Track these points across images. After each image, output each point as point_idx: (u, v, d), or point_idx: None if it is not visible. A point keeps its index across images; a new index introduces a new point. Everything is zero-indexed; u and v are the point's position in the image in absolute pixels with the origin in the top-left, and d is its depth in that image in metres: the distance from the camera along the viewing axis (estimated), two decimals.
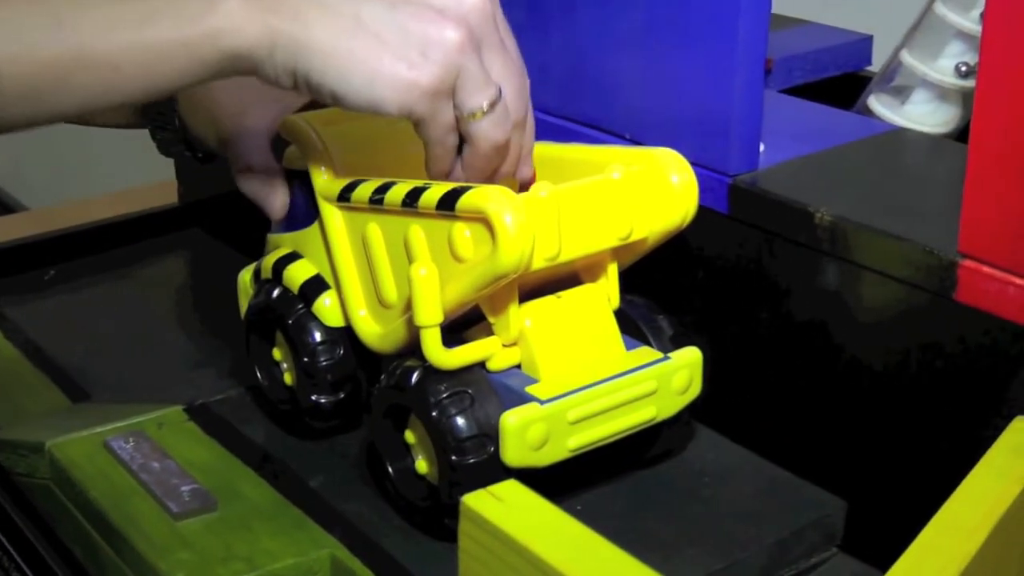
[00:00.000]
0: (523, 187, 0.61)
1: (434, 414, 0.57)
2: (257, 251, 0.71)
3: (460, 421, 0.56)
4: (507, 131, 0.58)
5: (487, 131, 0.57)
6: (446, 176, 0.59)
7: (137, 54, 0.54)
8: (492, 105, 0.56)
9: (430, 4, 0.55)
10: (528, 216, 0.54)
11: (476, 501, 0.47)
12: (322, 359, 0.65)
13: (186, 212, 1.03)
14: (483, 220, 0.54)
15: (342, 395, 0.66)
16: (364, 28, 0.54)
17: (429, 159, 0.59)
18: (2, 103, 0.53)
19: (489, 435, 0.57)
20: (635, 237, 0.60)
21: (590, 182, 0.58)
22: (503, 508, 0.47)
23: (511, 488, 0.48)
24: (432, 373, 0.58)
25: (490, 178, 0.59)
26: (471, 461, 0.56)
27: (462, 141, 0.58)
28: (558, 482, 0.58)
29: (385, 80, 0.54)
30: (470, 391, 0.57)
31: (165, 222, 1.01)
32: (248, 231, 0.75)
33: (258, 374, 0.70)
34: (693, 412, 0.63)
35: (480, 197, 0.54)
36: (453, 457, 0.57)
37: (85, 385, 0.78)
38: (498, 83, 0.57)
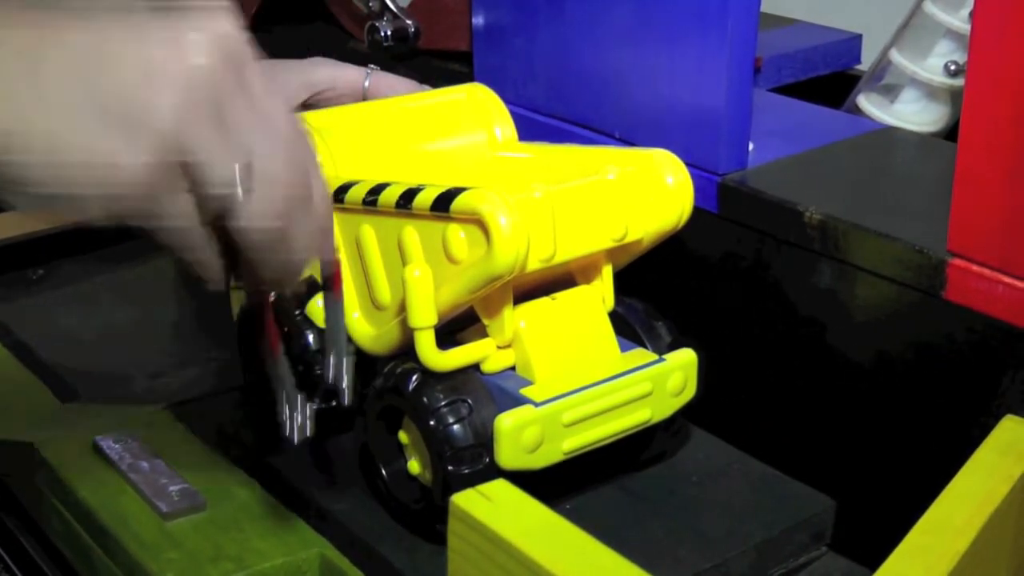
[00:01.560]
0: (327, 276, 0.53)
1: (431, 423, 0.57)
2: None
3: (457, 429, 0.56)
4: (277, 212, 0.44)
5: (249, 219, 0.43)
6: (219, 281, 0.47)
7: None
8: (246, 178, 0.43)
9: (138, 67, 0.41)
10: (523, 217, 0.54)
11: (465, 501, 0.48)
12: (317, 367, 0.64)
13: None
14: (478, 221, 0.54)
15: (335, 402, 0.66)
16: (46, 106, 0.40)
17: (187, 265, 0.46)
18: None
19: (486, 445, 0.56)
20: (630, 238, 0.60)
21: (585, 183, 0.58)
22: (492, 508, 0.47)
23: (500, 488, 0.49)
24: (430, 378, 0.58)
25: (279, 272, 0.47)
26: (467, 471, 0.56)
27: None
28: (551, 484, 0.58)
29: (79, 176, 0.41)
30: (468, 400, 0.57)
31: None
32: None
33: (249, 375, 0.70)
34: (685, 413, 0.63)
35: (474, 198, 0.54)
36: (449, 467, 0.56)
37: (74, 384, 0.78)
38: (250, 154, 0.43)
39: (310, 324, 0.65)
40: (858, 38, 0.88)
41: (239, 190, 0.43)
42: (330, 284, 0.54)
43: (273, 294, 0.61)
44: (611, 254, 0.61)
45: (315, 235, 0.47)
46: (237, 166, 0.42)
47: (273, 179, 0.44)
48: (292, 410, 0.55)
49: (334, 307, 0.55)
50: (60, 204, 0.41)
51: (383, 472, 0.61)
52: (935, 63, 0.74)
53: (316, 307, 0.64)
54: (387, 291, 0.61)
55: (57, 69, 0.40)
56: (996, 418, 0.54)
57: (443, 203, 0.56)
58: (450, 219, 0.56)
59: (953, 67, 0.73)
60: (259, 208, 0.44)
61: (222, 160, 0.42)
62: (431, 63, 0.82)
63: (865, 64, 0.86)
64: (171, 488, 0.65)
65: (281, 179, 0.44)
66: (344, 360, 0.55)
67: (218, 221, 0.44)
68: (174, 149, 0.41)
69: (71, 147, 0.40)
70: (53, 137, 0.40)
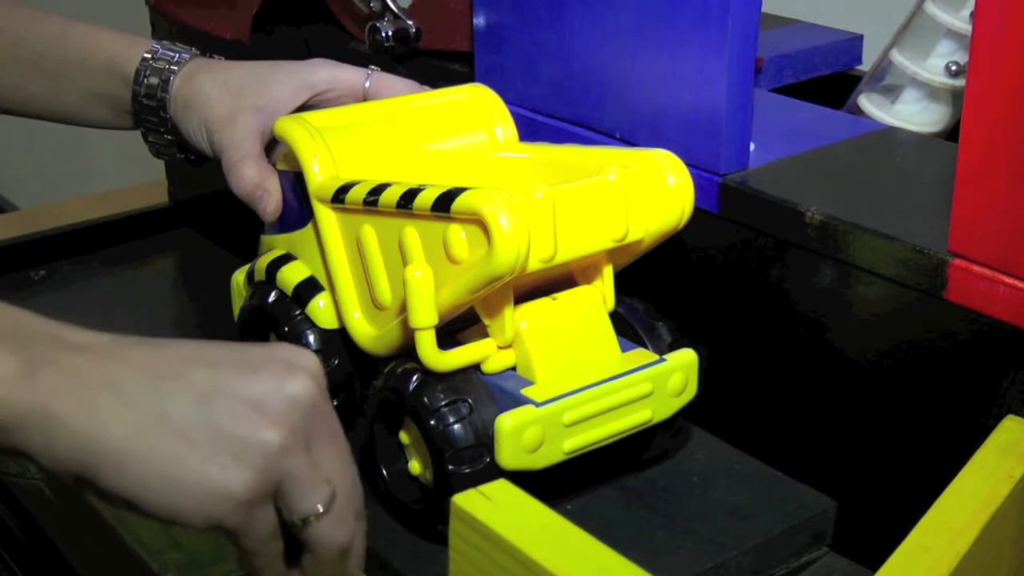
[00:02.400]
0: None
1: (432, 423, 0.57)
2: (247, 250, 0.71)
3: (458, 429, 0.57)
4: (349, 530, 0.50)
5: (327, 535, 0.49)
6: None
7: None
8: (328, 504, 0.48)
9: (247, 398, 0.47)
10: (523, 217, 0.54)
11: (466, 501, 0.48)
12: None
13: (176, 212, 1.03)
14: (478, 222, 0.54)
15: (336, 402, 0.66)
16: (167, 425, 0.46)
17: (255, 568, 0.50)
18: None
19: (486, 445, 0.57)
20: (631, 238, 0.60)
21: (586, 183, 0.59)
22: (493, 507, 0.47)
23: (501, 488, 0.49)
24: (430, 378, 0.58)
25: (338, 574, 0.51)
26: (467, 471, 0.57)
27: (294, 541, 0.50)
28: (552, 484, 0.58)
29: (189, 488, 0.45)
30: (469, 400, 0.57)
31: (155, 222, 1.02)
32: (238, 230, 0.75)
33: None
34: (685, 413, 0.63)
35: (476, 198, 0.54)
36: (450, 467, 0.57)
37: None
38: (331, 478, 0.49)
39: (310, 324, 0.65)
40: (859, 38, 0.88)
41: (321, 510, 0.48)
42: None
43: (273, 295, 0.62)
44: (612, 254, 0.62)
45: (364, 540, 0.52)
46: (320, 504, 0.48)
47: (348, 499, 0.50)
48: None
49: None
50: (162, 513, 0.46)
51: (384, 472, 0.62)
52: (936, 63, 0.74)
53: (317, 307, 0.65)
54: (388, 291, 0.61)
55: (177, 400, 0.46)
56: (997, 418, 0.54)
57: (444, 203, 0.56)
58: (451, 219, 0.56)
59: (954, 67, 0.73)
60: (336, 524, 0.49)
61: (312, 483, 0.48)
62: (432, 64, 0.82)
63: (866, 64, 0.86)
64: None
65: (353, 499, 0.50)
66: None
67: (293, 532, 0.49)
68: (274, 473, 0.46)
69: (186, 468, 0.45)
70: (171, 457, 0.45)
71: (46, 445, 0.44)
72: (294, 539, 0.49)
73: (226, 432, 0.46)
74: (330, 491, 0.48)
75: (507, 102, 0.69)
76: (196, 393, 0.46)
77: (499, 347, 0.59)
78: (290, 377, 0.48)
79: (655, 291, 0.66)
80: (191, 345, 0.49)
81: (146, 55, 0.73)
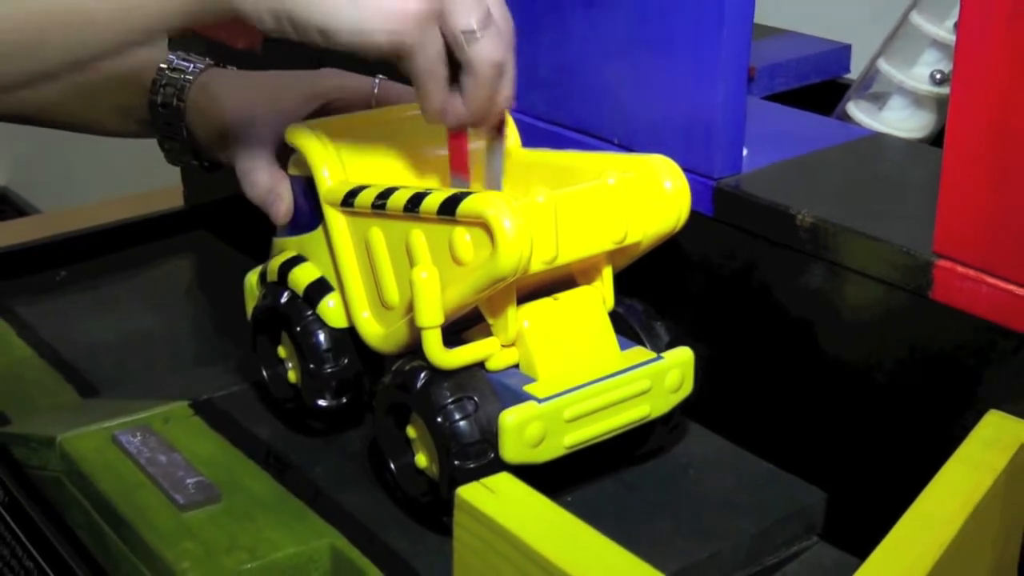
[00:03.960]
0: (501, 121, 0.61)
1: (438, 419, 0.58)
2: (260, 252, 0.72)
3: (463, 426, 0.57)
4: (504, 48, 0.57)
5: (486, 51, 0.56)
6: (441, 114, 0.58)
7: (109, 2, 0.53)
8: (485, 23, 0.56)
9: None
10: (526, 220, 0.55)
11: (470, 493, 0.48)
12: (328, 367, 0.65)
13: (192, 215, 1.04)
14: (483, 224, 0.55)
15: (345, 399, 0.67)
16: None
17: (422, 96, 0.58)
18: None
19: (490, 440, 0.57)
20: (630, 241, 0.61)
21: (586, 187, 0.59)
22: (496, 500, 0.48)
23: (504, 480, 0.49)
24: (437, 376, 0.58)
25: (491, 106, 0.59)
26: (472, 466, 0.57)
27: (455, 72, 0.57)
28: (553, 477, 0.59)
29: (372, 10, 0.54)
30: (474, 397, 0.58)
31: (172, 225, 1.02)
32: (251, 233, 0.75)
33: (263, 372, 0.71)
34: (682, 409, 0.64)
35: (480, 202, 0.55)
36: (456, 462, 0.57)
37: (94, 381, 0.79)
38: (486, 4, 0.56)
39: (321, 323, 0.66)
40: (847, 48, 0.88)
41: (477, 32, 0.55)
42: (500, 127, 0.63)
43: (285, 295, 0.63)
44: (611, 256, 0.62)
45: (513, 80, 0.59)
46: (477, 20, 0.55)
47: (502, 23, 0.57)
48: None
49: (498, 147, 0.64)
50: (351, 36, 0.54)
51: (392, 466, 0.62)
52: (921, 72, 0.74)
53: (327, 307, 0.65)
54: (395, 292, 0.62)
55: None
56: (980, 413, 0.54)
57: (449, 207, 0.57)
58: (456, 222, 0.57)
59: (939, 76, 0.73)
60: (493, 41, 0.56)
61: (467, 9, 0.55)
62: None
63: (854, 73, 0.86)
64: (187, 481, 0.66)
65: (506, 28, 0.58)
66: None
67: (456, 53, 0.56)
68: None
69: None
70: None
71: None
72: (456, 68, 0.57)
73: None
74: (486, 9, 0.56)
75: (510, 109, 0.70)
76: None
77: (503, 345, 0.60)
78: None
79: (653, 291, 0.67)
80: None
81: (162, 66, 0.74)
